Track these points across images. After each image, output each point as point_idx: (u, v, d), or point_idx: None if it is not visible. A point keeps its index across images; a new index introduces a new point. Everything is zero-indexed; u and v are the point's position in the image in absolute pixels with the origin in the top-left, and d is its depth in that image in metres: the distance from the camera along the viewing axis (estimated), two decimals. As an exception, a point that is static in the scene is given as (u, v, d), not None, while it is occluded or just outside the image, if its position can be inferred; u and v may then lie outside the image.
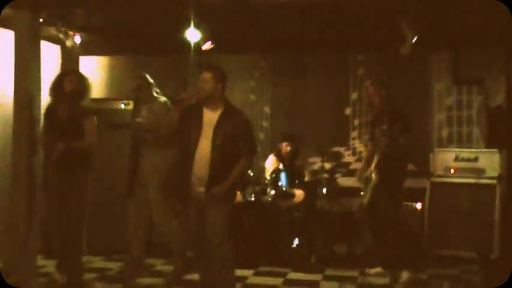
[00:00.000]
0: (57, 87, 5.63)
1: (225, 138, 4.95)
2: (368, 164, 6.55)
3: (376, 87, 6.59)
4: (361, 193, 6.63)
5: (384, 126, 6.23)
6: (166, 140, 5.82)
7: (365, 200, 6.48)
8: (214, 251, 5.01)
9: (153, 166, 5.99)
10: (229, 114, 5.07)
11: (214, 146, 4.94)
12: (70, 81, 5.59)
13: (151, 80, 6.27)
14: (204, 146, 4.96)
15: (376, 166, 6.36)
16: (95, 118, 5.71)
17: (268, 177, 7.38)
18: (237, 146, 5.01)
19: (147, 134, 5.97)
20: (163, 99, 6.23)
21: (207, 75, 5.00)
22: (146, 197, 6.04)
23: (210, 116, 5.03)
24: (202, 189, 4.96)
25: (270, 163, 7.74)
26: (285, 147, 7.70)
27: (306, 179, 7.51)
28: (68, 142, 5.45)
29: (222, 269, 5.08)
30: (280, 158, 7.70)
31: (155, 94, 6.24)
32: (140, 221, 6.14)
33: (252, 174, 7.43)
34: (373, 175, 6.38)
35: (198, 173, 4.95)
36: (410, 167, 7.20)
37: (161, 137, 5.82)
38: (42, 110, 6.16)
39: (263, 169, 7.79)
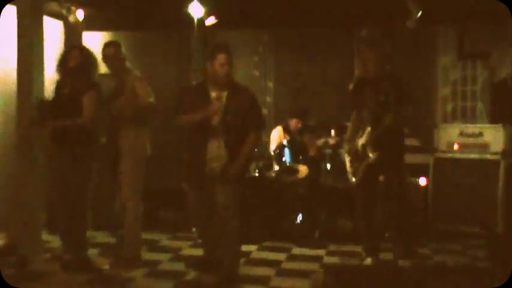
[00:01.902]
0: (62, 62, 5.58)
1: (236, 116, 5.03)
2: (354, 135, 5.81)
3: (373, 49, 5.77)
4: (348, 168, 5.86)
5: (381, 95, 5.52)
6: (143, 117, 5.62)
7: (355, 177, 5.78)
8: (223, 226, 5.10)
9: (127, 143, 5.59)
10: (237, 92, 5.12)
11: (227, 125, 5.02)
12: (73, 56, 5.52)
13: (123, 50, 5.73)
14: (216, 124, 5.03)
15: (373, 141, 5.58)
16: (94, 93, 5.47)
17: (272, 152, 7.37)
18: (246, 122, 5.08)
19: (126, 111, 5.58)
20: (137, 72, 5.72)
21: (227, 58, 5.02)
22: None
23: (218, 96, 5.07)
24: (214, 167, 5.06)
25: (276, 134, 7.70)
26: (296, 123, 7.64)
27: (311, 154, 7.49)
28: (67, 118, 5.38)
29: (229, 244, 5.18)
30: (288, 132, 7.64)
31: (128, 65, 5.71)
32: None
33: (256, 149, 7.42)
34: (368, 151, 5.62)
35: (213, 152, 5.05)
36: (414, 142, 7.19)
37: (141, 113, 5.58)
38: (46, 86, 6.16)
39: (267, 142, 7.77)
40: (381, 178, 5.87)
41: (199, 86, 5.26)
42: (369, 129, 5.61)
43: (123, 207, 5.65)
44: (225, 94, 5.07)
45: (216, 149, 5.05)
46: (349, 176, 5.85)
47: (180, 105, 5.18)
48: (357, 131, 5.76)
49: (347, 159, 5.87)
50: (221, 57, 5.01)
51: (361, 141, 5.66)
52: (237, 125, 5.05)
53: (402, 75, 5.86)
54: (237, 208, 5.16)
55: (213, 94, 5.09)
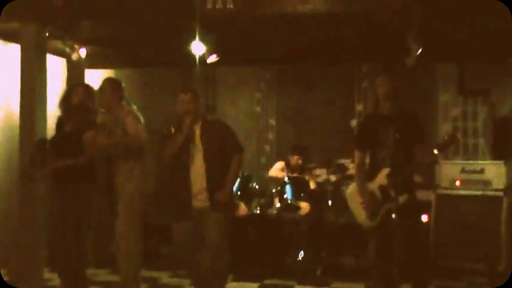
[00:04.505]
0: (65, 99, 5.61)
1: (213, 145, 5.17)
2: (365, 176, 5.32)
3: (389, 77, 5.31)
4: (357, 210, 5.36)
5: (398, 133, 5.10)
6: (136, 152, 5.46)
7: (372, 219, 5.24)
8: (213, 259, 5.09)
9: (122, 180, 5.49)
10: (208, 123, 5.34)
11: (206, 156, 5.15)
12: (77, 94, 5.55)
13: (122, 86, 5.69)
14: (196, 158, 5.16)
15: (401, 182, 5.10)
16: (95, 132, 5.42)
17: (273, 190, 7.36)
18: (223, 150, 5.21)
19: (114, 150, 5.50)
20: (132, 107, 5.65)
21: (188, 97, 5.24)
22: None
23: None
24: (201, 200, 5.12)
25: (278, 167, 7.74)
26: (296, 160, 7.67)
27: (312, 190, 7.48)
28: (70, 158, 5.39)
29: (218, 277, 5.18)
30: (288, 168, 7.67)
31: (124, 103, 5.64)
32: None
33: (257, 187, 7.45)
34: (393, 193, 5.11)
35: (196, 185, 5.14)
36: (416, 178, 7.15)
37: (130, 151, 5.45)
38: (48, 123, 6.20)
39: (269, 180, 7.78)
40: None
41: (177, 128, 5.31)
42: (387, 170, 5.15)
43: (117, 247, 5.52)
44: (198, 127, 5.22)
45: (198, 181, 5.14)
46: (362, 218, 5.32)
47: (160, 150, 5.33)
48: (368, 172, 5.32)
49: (357, 201, 5.35)
50: (181, 97, 5.26)
51: (378, 182, 5.19)
52: (215, 152, 5.17)
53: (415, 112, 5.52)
54: (226, 240, 5.14)
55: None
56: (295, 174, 7.51)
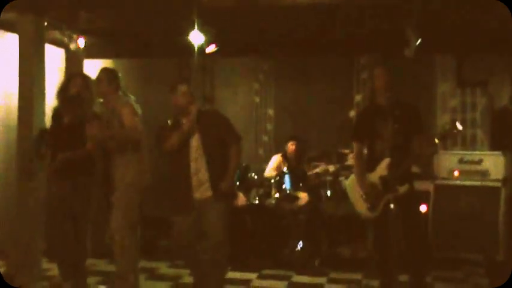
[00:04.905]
0: (63, 90, 5.59)
1: (211, 136, 5.17)
2: (364, 167, 5.37)
3: (386, 69, 5.38)
4: (359, 201, 5.36)
5: (396, 124, 5.16)
6: (132, 144, 5.39)
7: (373, 211, 5.27)
8: (213, 250, 5.10)
9: (119, 172, 5.44)
10: (205, 114, 5.32)
11: (205, 146, 5.14)
12: (75, 84, 5.53)
13: (118, 76, 5.60)
14: (195, 150, 5.14)
15: (402, 172, 5.17)
16: (96, 123, 5.37)
17: (272, 180, 7.37)
18: (222, 140, 5.21)
19: (110, 142, 5.44)
20: (129, 98, 5.58)
21: (185, 88, 5.22)
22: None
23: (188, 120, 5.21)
24: (202, 191, 5.12)
25: (274, 161, 7.76)
26: (291, 146, 7.73)
27: (311, 181, 7.50)
28: (69, 149, 5.37)
29: (217, 268, 5.18)
30: (286, 159, 7.71)
31: (121, 93, 5.55)
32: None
33: (256, 177, 7.45)
34: (393, 184, 5.16)
35: (197, 177, 5.14)
36: (414, 169, 7.17)
37: (126, 144, 5.39)
38: (47, 113, 6.18)
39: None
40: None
41: (174, 120, 5.31)
42: (387, 160, 5.19)
43: (111, 239, 5.44)
44: (193, 117, 5.19)
45: (198, 172, 5.13)
46: (363, 209, 5.35)
47: (159, 142, 5.28)
48: (366, 163, 5.36)
49: (357, 192, 5.36)
50: (182, 88, 5.21)
51: (379, 173, 5.22)
52: (214, 142, 5.17)
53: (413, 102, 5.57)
54: (227, 231, 5.15)
55: (184, 121, 5.20)
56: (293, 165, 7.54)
